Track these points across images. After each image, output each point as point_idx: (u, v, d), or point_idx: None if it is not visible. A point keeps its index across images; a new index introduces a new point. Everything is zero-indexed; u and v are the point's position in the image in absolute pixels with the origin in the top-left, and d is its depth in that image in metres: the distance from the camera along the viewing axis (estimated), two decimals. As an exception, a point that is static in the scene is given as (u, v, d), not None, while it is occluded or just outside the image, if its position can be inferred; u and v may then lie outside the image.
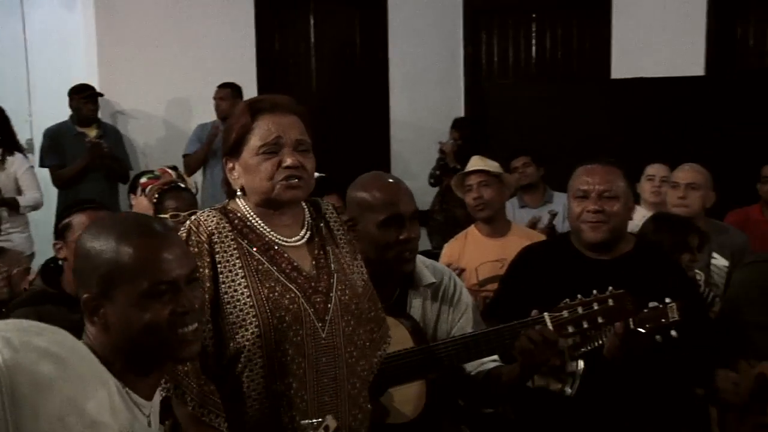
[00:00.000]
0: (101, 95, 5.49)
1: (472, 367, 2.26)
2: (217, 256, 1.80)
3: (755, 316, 2.59)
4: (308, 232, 1.90)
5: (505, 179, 3.71)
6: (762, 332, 2.57)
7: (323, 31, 6.49)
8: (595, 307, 2.08)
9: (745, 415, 2.50)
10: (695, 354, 2.34)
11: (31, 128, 6.01)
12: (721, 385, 2.48)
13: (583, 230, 2.43)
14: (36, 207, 5.14)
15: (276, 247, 1.85)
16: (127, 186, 4.55)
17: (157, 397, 1.49)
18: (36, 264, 3.85)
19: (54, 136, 5.41)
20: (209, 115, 5.61)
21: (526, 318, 2.11)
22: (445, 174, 5.80)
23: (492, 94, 6.24)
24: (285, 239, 1.87)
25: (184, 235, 1.80)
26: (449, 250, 3.66)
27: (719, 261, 3.56)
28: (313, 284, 1.84)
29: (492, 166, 3.66)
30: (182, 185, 3.38)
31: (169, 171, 3.67)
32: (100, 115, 5.52)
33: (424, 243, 4.56)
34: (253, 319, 1.77)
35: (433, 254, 3.42)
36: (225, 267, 1.80)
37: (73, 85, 5.41)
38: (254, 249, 1.83)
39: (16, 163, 5.06)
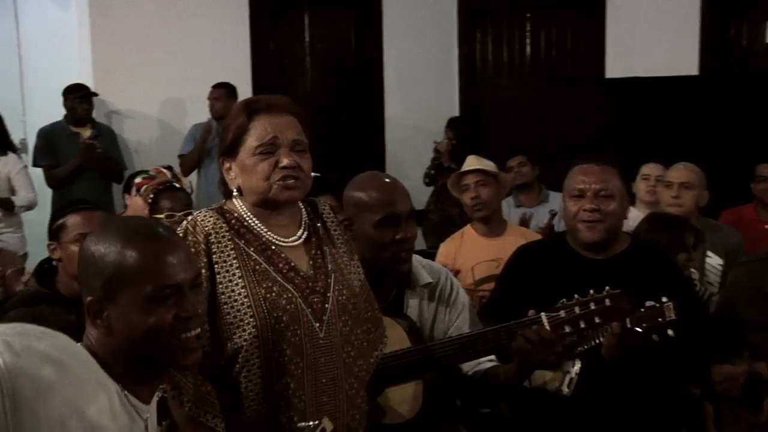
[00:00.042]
0: (95, 95, 5.47)
1: (468, 367, 2.26)
2: (214, 256, 1.79)
3: (750, 315, 2.60)
4: (305, 232, 1.90)
5: (502, 179, 3.71)
6: (757, 331, 2.58)
7: (318, 31, 6.48)
8: (592, 307, 2.08)
9: (741, 413, 2.51)
10: (692, 353, 2.34)
11: (24, 128, 5.99)
12: (715, 377, 2.50)
13: (579, 230, 2.43)
14: (30, 207, 5.12)
15: (273, 247, 1.85)
16: (121, 186, 4.54)
17: (154, 399, 1.49)
18: (29, 264, 3.83)
19: (48, 136, 5.39)
20: (204, 115, 5.60)
21: (522, 318, 2.11)
22: (440, 173, 5.80)
23: (487, 94, 6.23)
24: (282, 239, 1.86)
25: (181, 235, 1.80)
26: (445, 249, 3.65)
27: (714, 260, 3.57)
28: (310, 284, 1.84)
29: (488, 165, 3.66)
30: (177, 185, 3.38)
31: (164, 171, 3.67)
32: (94, 114, 5.49)
33: (419, 242, 4.56)
34: (251, 320, 1.76)
35: (429, 254, 3.42)
36: (222, 267, 1.79)
37: (67, 84, 5.39)
38: (251, 249, 1.82)
39: (9, 163, 5.04)
